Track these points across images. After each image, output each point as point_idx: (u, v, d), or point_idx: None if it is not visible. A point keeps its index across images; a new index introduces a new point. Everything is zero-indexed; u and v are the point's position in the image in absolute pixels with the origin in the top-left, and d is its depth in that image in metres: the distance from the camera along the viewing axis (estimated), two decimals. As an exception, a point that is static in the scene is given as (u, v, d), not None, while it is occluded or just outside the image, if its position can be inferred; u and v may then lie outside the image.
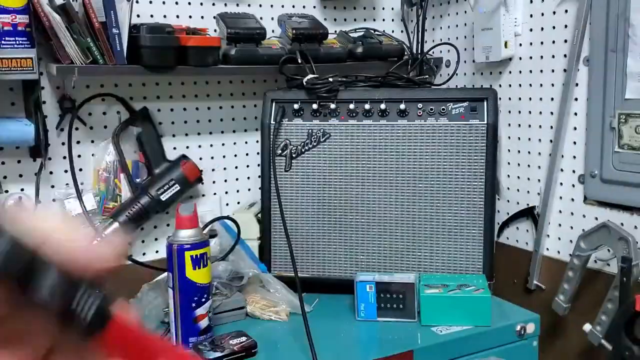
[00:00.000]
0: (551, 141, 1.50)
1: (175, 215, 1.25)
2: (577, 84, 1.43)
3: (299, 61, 1.55)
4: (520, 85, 1.57)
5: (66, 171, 1.48)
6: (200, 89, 1.65)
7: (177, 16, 1.58)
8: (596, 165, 1.38)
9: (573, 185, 1.46)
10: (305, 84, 1.48)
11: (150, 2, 1.56)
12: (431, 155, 1.44)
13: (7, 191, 1.43)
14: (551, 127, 1.50)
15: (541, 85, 1.52)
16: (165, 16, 1.57)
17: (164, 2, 1.57)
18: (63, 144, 1.48)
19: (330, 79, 1.49)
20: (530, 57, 1.54)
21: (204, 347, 1.21)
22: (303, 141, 1.49)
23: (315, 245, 1.49)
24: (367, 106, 1.46)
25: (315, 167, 1.49)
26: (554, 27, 1.47)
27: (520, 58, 1.56)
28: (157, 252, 1.61)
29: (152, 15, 1.55)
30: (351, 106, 1.47)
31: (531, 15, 1.53)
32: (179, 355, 0.41)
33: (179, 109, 1.62)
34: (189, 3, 1.60)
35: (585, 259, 1.36)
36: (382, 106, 1.45)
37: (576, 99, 1.44)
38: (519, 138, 1.59)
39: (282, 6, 1.72)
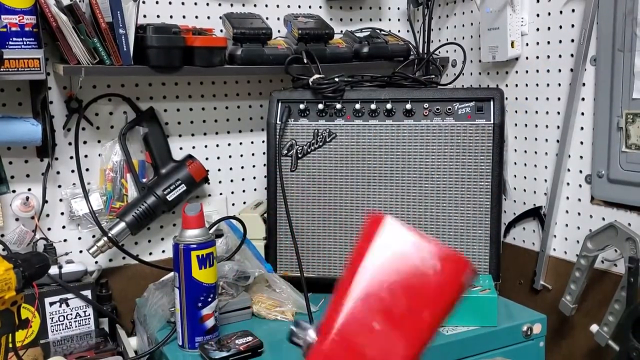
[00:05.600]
0: (558, 141, 1.49)
1: (181, 215, 1.25)
2: (584, 84, 1.42)
3: (305, 61, 1.55)
4: (527, 85, 1.57)
5: (73, 171, 1.48)
6: (206, 89, 1.65)
7: (184, 16, 1.59)
8: (603, 165, 1.38)
9: (580, 186, 1.45)
10: (311, 84, 1.48)
11: (157, 3, 1.56)
12: (437, 156, 1.43)
13: (14, 191, 1.44)
14: (558, 127, 1.49)
15: (548, 85, 1.51)
16: (171, 16, 1.57)
17: (170, 3, 1.57)
18: (70, 144, 1.49)
19: (336, 79, 1.49)
20: (537, 57, 1.53)
21: (210, 346, 1.21)
22: (309, 141, 1.49)
23: (321, 245, 1.49)
24: (373, 106, 1.46)
25: (321, 167, 1.49)
26: (560, 27, 1.47)
27: (527, 58, 1.56)
28: (163, 251, 1.62)
29: (158, 16, 1.56)
30: (357, 106, 1.47)
31: (538, 15, 1.52)
32: None
33: (185, 109, 1.63)
34: (195, 3, 1.61)
35: (592, 260, 1.36)
36: (388, 106, 1.45)
37: (583, 99, 1.43)
38: (526, 138, 1.58)
39: (288, 6, 1.72)
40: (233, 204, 1.71)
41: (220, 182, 1.69)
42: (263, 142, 1.67)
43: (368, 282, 0.50)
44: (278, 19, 1.70)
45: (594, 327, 1.33)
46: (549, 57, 1.50)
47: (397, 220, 0.51)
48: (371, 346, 0.49)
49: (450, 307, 0.49)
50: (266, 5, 1.69)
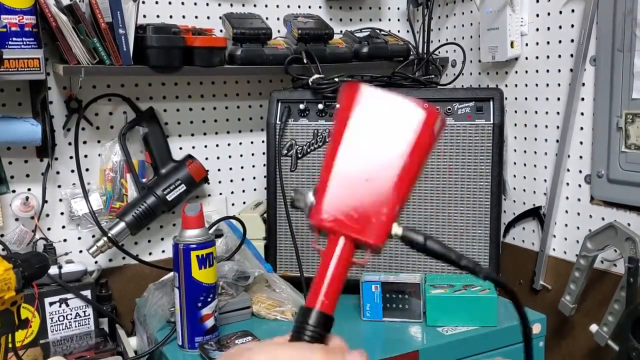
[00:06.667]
0: (557, 141, 1.49)
1: (181, 215, 1.25)
2: (583, 84, 1.42)
3: (305, 61, 1.55)
4: (526, 85, 1.57)
5: (73, 171, 1.48)
6: (206, 89, 1.65)
7: (183, 16, 1.59)
8: (603, 165, 1.38)
9: (579, 186, 1.45)
10: (311, 84, 1.48)
11: (157, 3, 1.56)
12: (437, 155, 1.43)
13: (14, 191, 1.44)
14: (557, 127, 1.49)
15: (547, 85, 1.51)
16: (171, 16, 1.57)
17: (170, 3, 1.57)
18: (70, 144, 1.49)
19: (336, 79, 1.49)
20: (537, 57, 1.53)
21: (209, 346, 1.21)
22: (309, 141, 1.49)
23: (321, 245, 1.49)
24: (372, 106, 1.45)
25: (321, 167, 1.48)
26: (560, 27, 1.47)
27: (527, 58, 1.56)
28: (163, 251, 1.62)
29: (158, 16, 1.56)
30: (357, 106, 1.47)
31: (537, 15, 1.52)
32: None
33: (185, 109, 1.63)
34: (195, 3, 1.61)
35: (592, 260, 1.36)
36: (388, 106, 1.45)
37: (583, 99, 1.43)
38: (525, 138, 1.58)
39: (288, 6, 1.72)
40: (233, 204, 1.71)
41: (220, 182, 1.69)
42: (263, 142, 1.67)
43: (352, 138, 0.54)
44: (278, 19, 1.70)
45: (594, 327, 1.33)
46: (548, 57, 1.50)
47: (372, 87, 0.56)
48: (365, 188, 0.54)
49: (425, 147, 0.54)
50: (266, 5, 1.69)
